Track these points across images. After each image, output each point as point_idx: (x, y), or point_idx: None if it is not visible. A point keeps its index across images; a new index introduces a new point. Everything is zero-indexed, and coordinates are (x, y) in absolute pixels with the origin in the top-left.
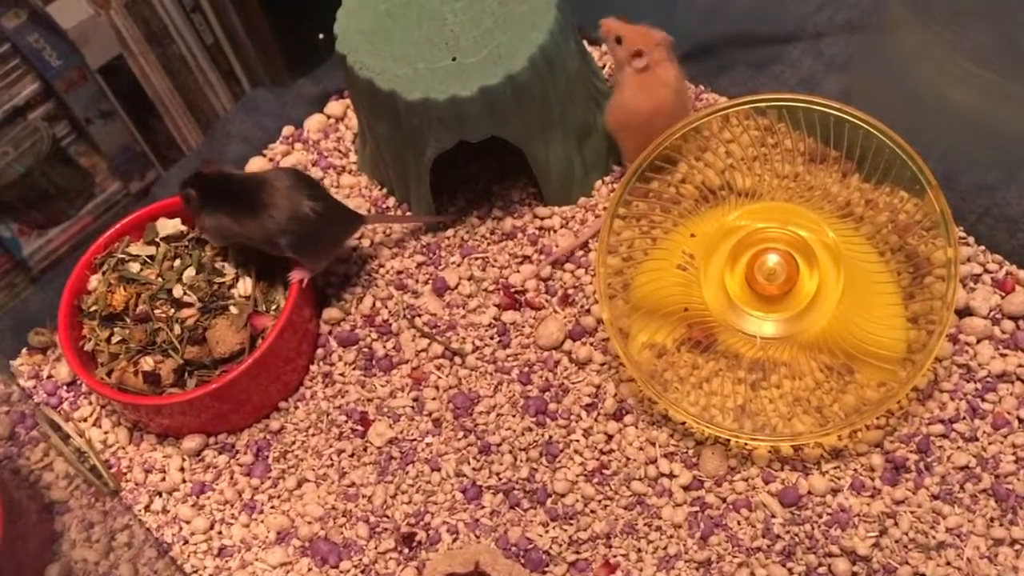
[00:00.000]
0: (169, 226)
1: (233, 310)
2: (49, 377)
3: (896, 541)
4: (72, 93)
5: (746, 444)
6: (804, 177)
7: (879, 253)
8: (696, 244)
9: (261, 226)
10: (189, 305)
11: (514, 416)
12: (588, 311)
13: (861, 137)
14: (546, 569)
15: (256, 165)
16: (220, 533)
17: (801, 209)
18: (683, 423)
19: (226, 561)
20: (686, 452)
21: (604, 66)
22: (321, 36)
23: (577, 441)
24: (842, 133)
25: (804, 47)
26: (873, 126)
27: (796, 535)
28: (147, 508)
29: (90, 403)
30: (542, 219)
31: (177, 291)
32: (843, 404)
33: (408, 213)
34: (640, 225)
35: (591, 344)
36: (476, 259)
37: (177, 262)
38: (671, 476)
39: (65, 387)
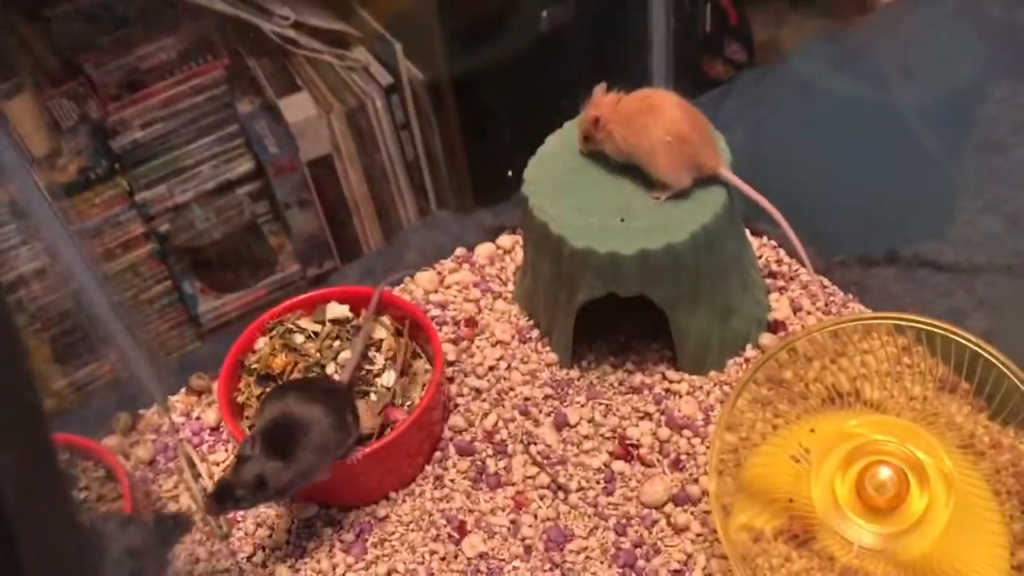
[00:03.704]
0: (338, 310)
1: (373, 397)
2: (198, 419)
3: None
4: (279, 178)
5: None
6: (932, 402)
7: (995, 492)
8: (814, 440)
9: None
10: None
11: (602, 563)
12: (696, 480)
13: (994, 375)
14: None
15: (425, 277)
16: None
17: (923, 431)
18: None
19: None
20: None
21: (761, 256)
22: (510, 174)
23: None
24: (976, 368)
25: (959, 280)
26: (1008, 367)
27: None
28: (249, 559)
29: (227, 450)
30: (671, 382)
31: (330, 368)
32: None
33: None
34: (765, 411)
35: (692, 512)
36: (600, 404)
37: (336, 343)
38: None
39: (209, 431)
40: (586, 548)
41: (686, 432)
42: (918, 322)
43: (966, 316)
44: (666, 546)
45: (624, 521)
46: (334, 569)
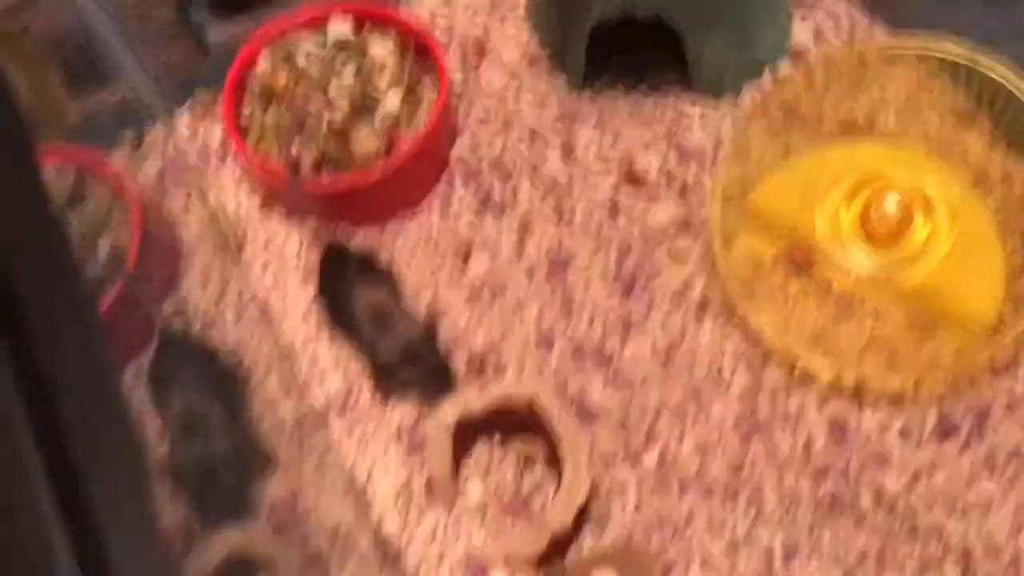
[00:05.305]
0: (340, 30)
1: (377, 119)
2: (203, 138)
3: (926, 491)
4: None
5: (811, 367)
6: (948, 134)
7: (1001, 226)
8: (823, 170)
9: None
10: (340, 104)
11: (602, 283)
12: (701, 208)
13: (1014, 108)
14: (592, 424)
15: None
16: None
17: (935, 163)
18: (758, 332)
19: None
20: (752, 359)
21: None
22: None
23: (654, 322)
24: (997, 99)
25: (995, 6)
26: None
27: (833, 460)
28: (261, 273)
29: (232, 170)
30: (683, 112)
31: (332, 89)
32: (917, 355)
33: None
34: (776, 139)
35: (693, 239)
36: (609, 132)
37: (337, 64)
38: (732, 376)
39: (215, 149)
40: (587, 268)
41: (694, 161)
42: (940, 52)
43: (1000, 43)
44: (667, 269)
45: (626, 246)
46: None
